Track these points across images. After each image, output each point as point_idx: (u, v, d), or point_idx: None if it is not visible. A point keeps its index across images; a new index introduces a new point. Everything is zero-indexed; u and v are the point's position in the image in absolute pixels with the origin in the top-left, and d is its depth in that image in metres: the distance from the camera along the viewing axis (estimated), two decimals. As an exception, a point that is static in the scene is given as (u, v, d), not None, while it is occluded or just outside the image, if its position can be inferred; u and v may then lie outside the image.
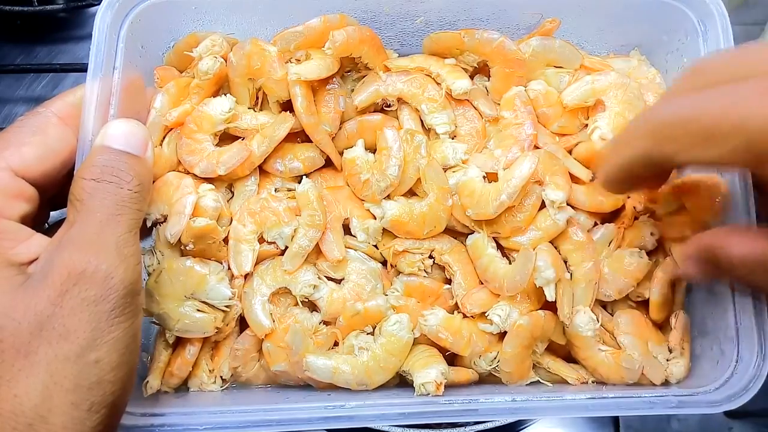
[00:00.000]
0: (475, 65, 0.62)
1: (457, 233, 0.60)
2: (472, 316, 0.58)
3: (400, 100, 0.61)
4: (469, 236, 0.59)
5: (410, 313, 0.57)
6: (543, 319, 0.56)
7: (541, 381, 0.58)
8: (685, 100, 0.40)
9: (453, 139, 0.61)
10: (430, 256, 0.59)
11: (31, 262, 0.41)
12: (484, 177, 0.58)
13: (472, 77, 0.62)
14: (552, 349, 0.59)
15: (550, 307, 0.56)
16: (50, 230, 0.45)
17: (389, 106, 0.62)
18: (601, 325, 0.58)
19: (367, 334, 0.57)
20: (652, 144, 0.41)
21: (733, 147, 0.36)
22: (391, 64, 0.62)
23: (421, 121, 0.61)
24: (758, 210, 0.53)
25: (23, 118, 0.47)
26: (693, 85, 0.42)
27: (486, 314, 0.56)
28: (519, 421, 0.70)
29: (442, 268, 0.59)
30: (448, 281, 0.59)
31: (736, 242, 0.45)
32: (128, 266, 0.41)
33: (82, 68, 0.51)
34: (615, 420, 0.74)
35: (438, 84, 0.61)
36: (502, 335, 0.57)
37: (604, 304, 0.60)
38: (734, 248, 0.45)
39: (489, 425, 0.68)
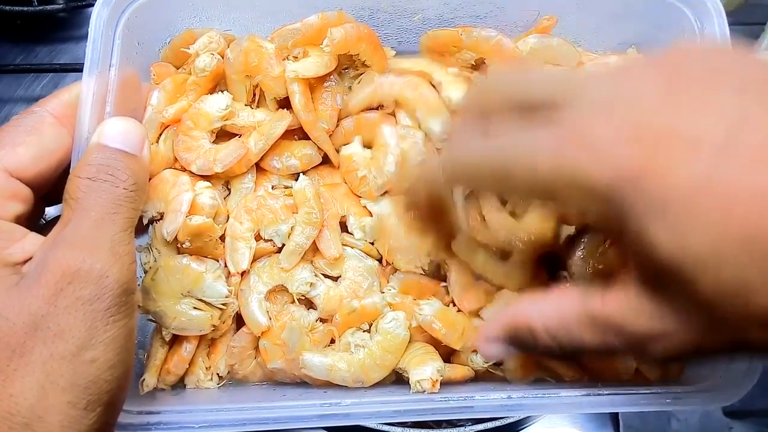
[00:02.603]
0: (473, 63, 0.62)
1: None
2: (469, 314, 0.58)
3: (396, 103, 0.61)
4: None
5: (406, 310, 0.57)
6: None
7: (544, 378, 0.58)
8: (474, 143, 0.42)
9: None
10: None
11: (26, 261, 0.41)
12: None
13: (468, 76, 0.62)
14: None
15: None
16: (47, 227, 0.45)
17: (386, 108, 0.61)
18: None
19: (364, 331, 0.57)
20: (455, 181, 0.44)
21: (520, 189, 0.40)
22: (394, 66, 0.62)
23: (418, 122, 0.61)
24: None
25: (18, 117, 0.46)
26: (480, 115, 0.43)
27: (480, 314, 0.57)
28: (519, 420, 0.70)
29: (439, 266, 0.59)
30: (445, 278, 0.59)
31: (536, 313, 0.43)
32: (123, 265, 0.41)
33: (82, 68, 0.51)
34: (615, 420, 0.74)
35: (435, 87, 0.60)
36: None
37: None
38: (536, 321, 0.42)
39: (489, 425, 0.68)
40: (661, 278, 0.36)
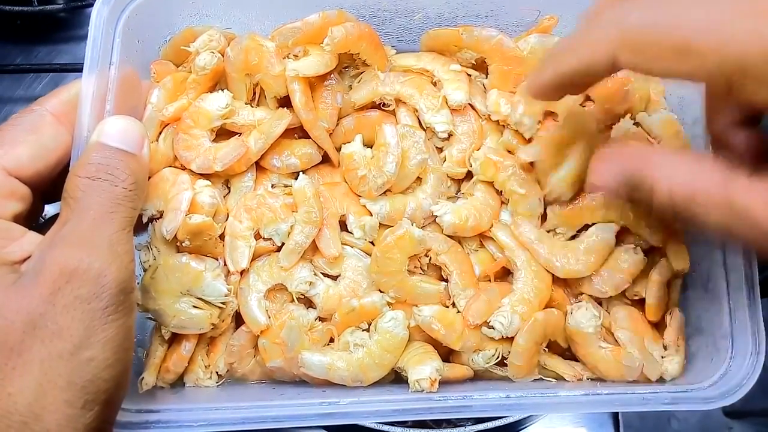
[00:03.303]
0: (473, 62, 0.62)
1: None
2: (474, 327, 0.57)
3: (397, 100, 0.61)
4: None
5: (405, 309, 0.57)
6: (555, 316, 0.57)
7: (544, 378, 0.58)
8: (657, 11, 0.38)
9: (450, 137, 0.60)
10: (426, 255, 0.59)
11: (24, 260, 0.41)
12: None
13: (469, 75, 0.62)
14: (548, 345, 0.60)
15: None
16: (45, 225, 0.45)
17: (387, 105, 0.61)
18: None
19: (363, 330, 0.57)
20: (620, 51, 0.38)
21: (707, 66, 0.35)
22: (396, 62, 0.61)
23: (419, 120, 0.61)
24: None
25: (17, 116, 0.46)
26: None
27: (488, 320, 0.57)
28: (519, 420, 0.70)
29: (439, 268, 0.59)
30: (444, 279, 0.59)
31: (666, 172, 0.41)
32: (121, 264, 0.41)
33: (82, 68, 0.51)
34: (615, 420, 0.74)
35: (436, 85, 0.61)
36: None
37: (599, 301, 0.60)
38: (663, 180, 0.40)
39: (489, 425, 0.68)
40: None
